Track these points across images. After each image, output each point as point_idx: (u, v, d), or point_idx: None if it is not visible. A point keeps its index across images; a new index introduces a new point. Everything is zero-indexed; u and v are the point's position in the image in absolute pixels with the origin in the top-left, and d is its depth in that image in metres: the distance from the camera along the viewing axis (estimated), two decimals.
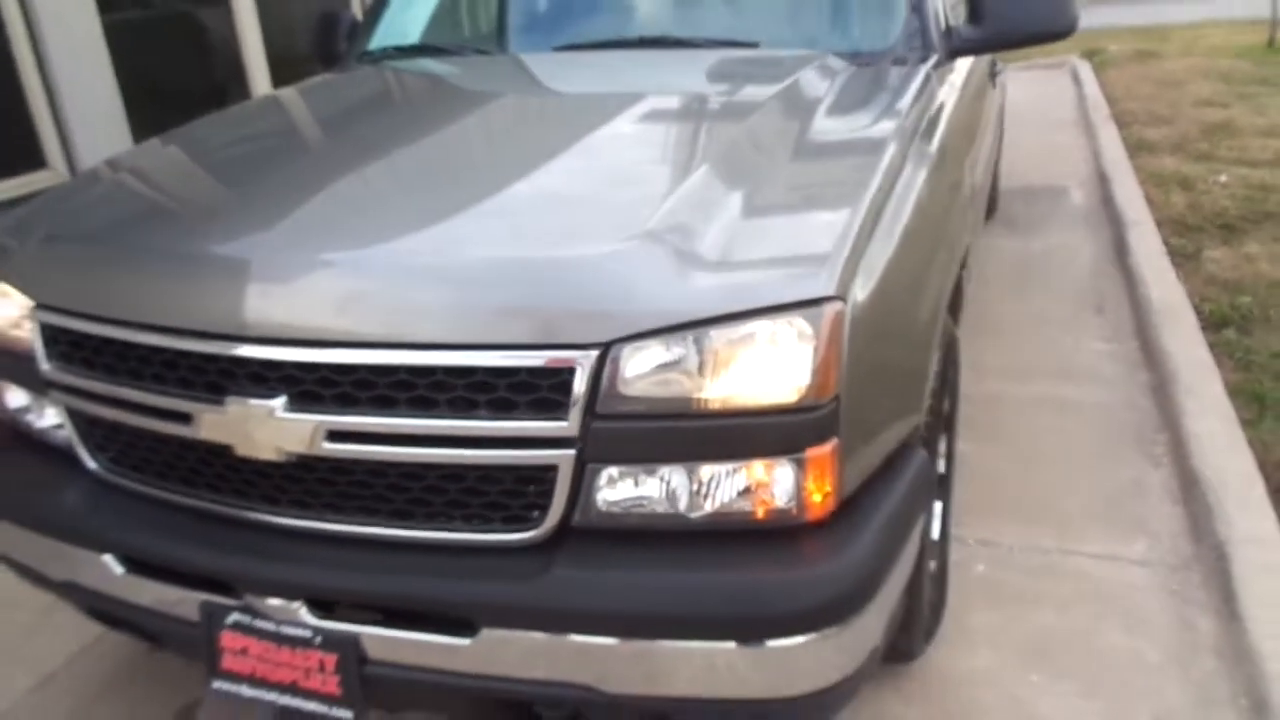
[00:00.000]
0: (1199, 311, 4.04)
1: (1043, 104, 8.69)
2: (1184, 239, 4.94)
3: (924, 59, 2.44)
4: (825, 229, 1.59)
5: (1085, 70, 9.79)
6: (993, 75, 3.44)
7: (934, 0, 2.56)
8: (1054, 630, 2.41)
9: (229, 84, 5.60)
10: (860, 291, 1.54)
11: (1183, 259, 4.67)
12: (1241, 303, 4.08)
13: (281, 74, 5.71)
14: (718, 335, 1.47)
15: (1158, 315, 3.94)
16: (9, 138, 4.38)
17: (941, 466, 2.46)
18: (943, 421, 2.31)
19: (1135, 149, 6.69)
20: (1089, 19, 14.90)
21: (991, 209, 5.54)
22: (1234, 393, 3.38)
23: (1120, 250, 4.87)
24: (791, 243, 1.59)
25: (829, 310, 1.47)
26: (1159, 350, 3.68)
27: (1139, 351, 3.86)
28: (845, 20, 2.64)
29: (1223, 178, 5.89)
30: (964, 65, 2.81)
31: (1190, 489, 2.87)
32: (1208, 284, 4.37)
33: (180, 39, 5.45)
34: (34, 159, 4.48)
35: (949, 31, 2.60)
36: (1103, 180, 6.07)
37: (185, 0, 5.46)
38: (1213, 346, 3.72)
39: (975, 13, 2.57)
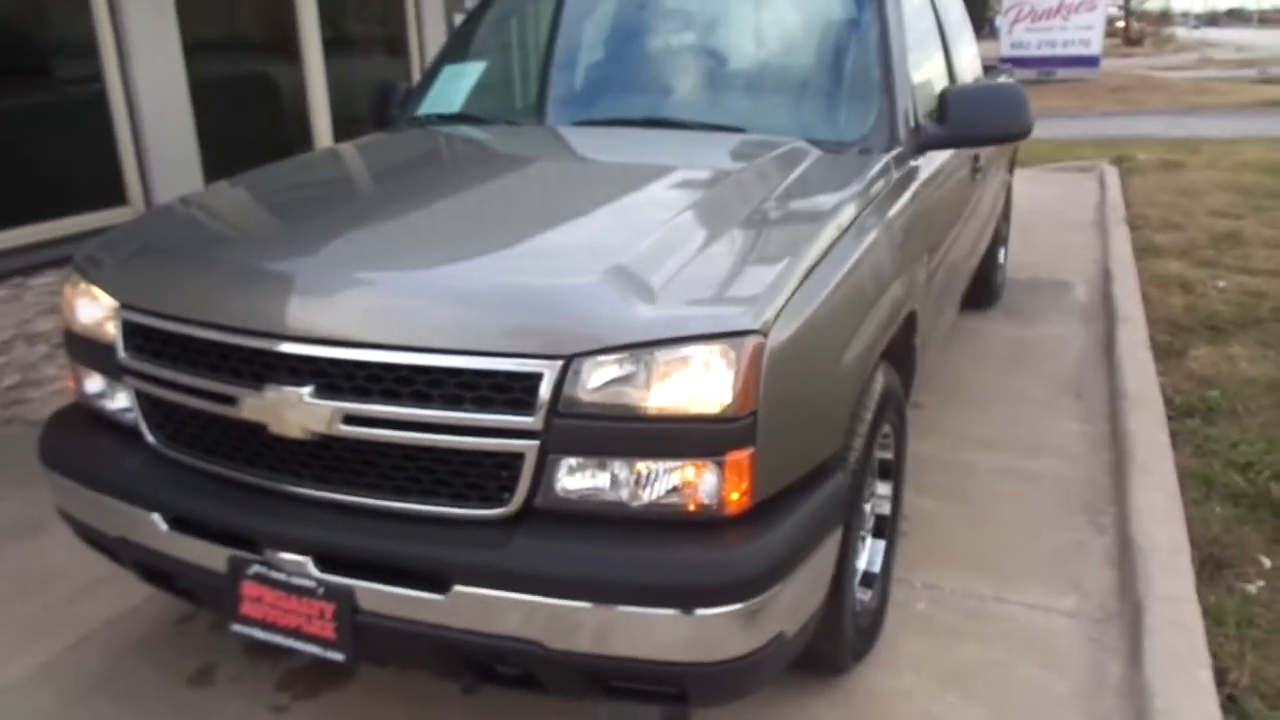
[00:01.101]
0: (1170, 401, 4.31)
1: (1066, 205, 9.05)
2: (1173, 337, 5.22)
3: (888, 150, 2.82)
4: (758, 278, 1.96)
5: (1111, 176, 10.14)
6: (974, 171, 3.80)
7: (904, 102, 2.94)
8: (976, 662, 2.68)
9: (295, 138, 6.13)
10: (781, 331, 1.89)
11: (1168, 355, 4.95)
12: (1210, 396, 4.35)
13: (342, 131, 6.25)
14: (660, 355, 1.83)
15: (1129, 402, 4.22)
16: (99, 177, 4.90)
17: (885, 508, 2.78)
18: (877, 466, 2.63)
19: (1143, 251, 7.00)
20: (1127, 127, 15.27)
21: (994, 297, 5.86)
22: (1187, 475, 3.64)
23: (1109, 342, 5.15)
24: (728, 287, 1.95)
25: (750, 342, 1.82)
26: (1124, 433, 3.95)
27: (1108, 434, 4.13)
28: (821, 113, 3.03)
29: (1221, 283, 6.17)
30: (936, 158, 3.17)
31: (1125, 554, 3.13)
32: (1186, 378, 4.64)
33: (255, 96, 6.00)
34: (117, 196, 4.98)
35: (917, 128, 2.97)
36: (1107, 278, 6.37)
37: (263, 62, 6.02)
38: (1176, 434, 4.00)
39: (942, 114, 2.95)
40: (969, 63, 4.29)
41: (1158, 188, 9.43)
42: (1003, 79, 5.53)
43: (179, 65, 5.12)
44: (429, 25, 7.01)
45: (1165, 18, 70.32)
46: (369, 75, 6.59)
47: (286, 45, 5.97)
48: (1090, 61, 23.53)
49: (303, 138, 6.14)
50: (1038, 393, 4.62)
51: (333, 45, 6.20)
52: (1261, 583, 2.98)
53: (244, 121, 5.84)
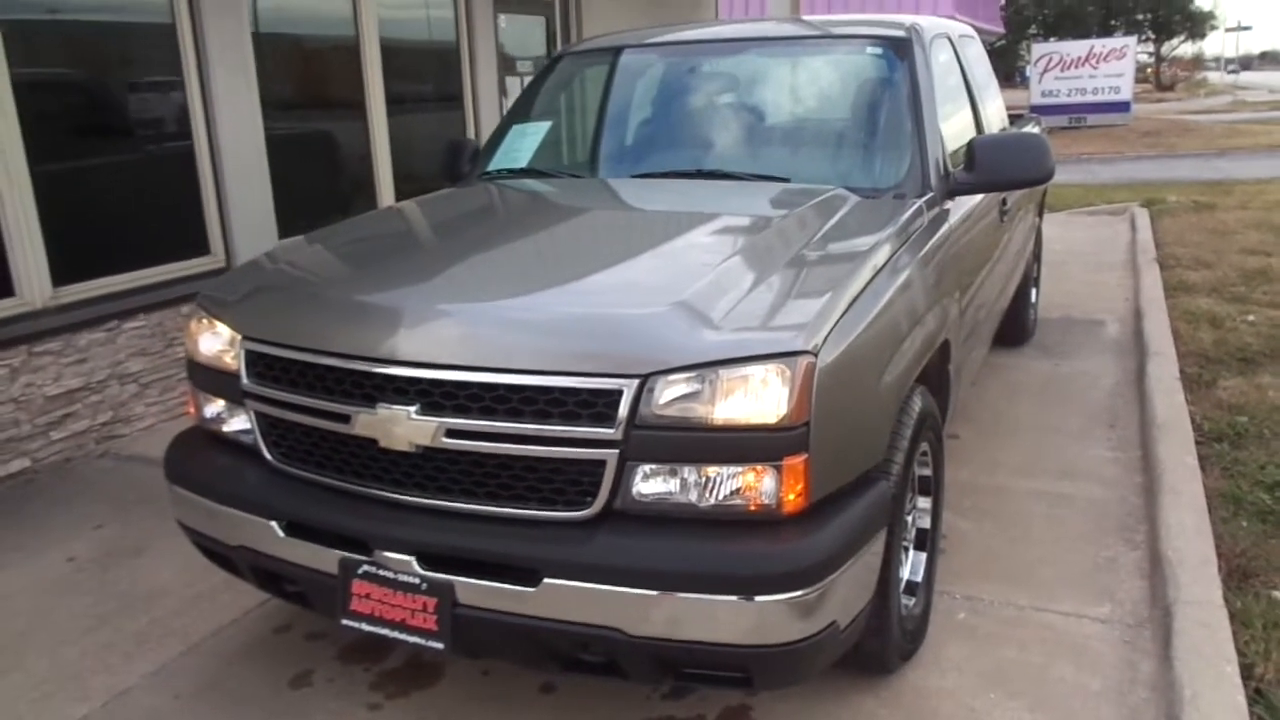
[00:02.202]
0: (1199, 428, 4.50)
1: (1098, 246, 9.25)
2: (1202, 369, 5.40)
3: (921, 195, 3.09)
4: (807, 308, 2.23)
5: (1143, 218, 10.33)
6: (1002, 214, 4.06)
7: (934, 152, 3.22)
8: (1015, 663, 2.88)
9: (359, 191, 6.53)
10: (829, 352, 2.15)
11: (1197, 385, 5.13)
12: (1238, 421, 4.53)
13: (402, 184, 6.64)
14: (724, 373, 2.09)
15: (1159, 429, 4.41)
16: (185, 230, 5.30)
17: (926, 522, 3.01)
18: (916, 482, 2.87)
19: (1174, 289, 7.18)
20: (1159, 171, 15.44)
21: (1027, 335, 6.08)
22: (1216, 495, 3.82)
23: (1140, 375, 5.34)
24: (781, 315, 2.22)
25: (803, 360, 2.09)
26: (1154, 458, 4.15)
27: (1140, 460, 4.32)
28: (858, 163, 3.31)
29: (1251, 317, 6.34)
30: (965, 202, 3.44)
31: (1156, 566, 3.32)
32: (1215, 407, 4.82)
33: (325, 152, 6.42)
34: (201, 247, 5.38)
35: (947, 175, 3.25)
36: (1138, 315, 6.56)
37: (332, 120, 6.44)
38: (1205, 458, 4.18)
39: (970, 162, 3.23)
40: (995, 114, 4.57)
41: (1189, 228, 9.61)
42: (1029, 127, 5.82)
43: (258, 123, 5.54)
44: (483, 88, 7.43)
45: (1198, 62, 70.38)
46: (428, 133, 7.01)
47: (353, 105, 6.39)
48: (1121, 107, 23.77)
49: (366, 191, 6.53)
50: (1071, 424, 4.81)
51: (395, 105, 6.61)
52: None
53: (314, 176, 6.26)
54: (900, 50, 3.48)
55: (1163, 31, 55.16)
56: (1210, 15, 56.63)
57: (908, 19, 3.74)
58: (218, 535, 2.64)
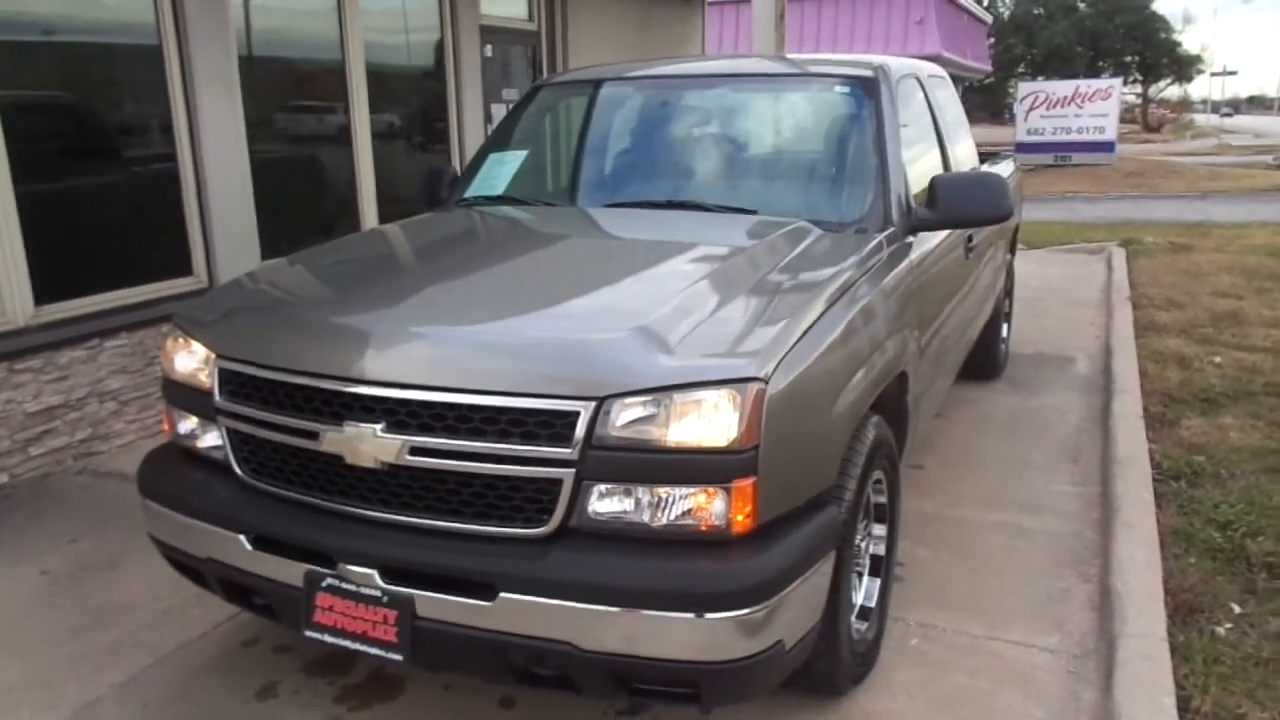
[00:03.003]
0: (1158, 466, 4.60)
1: (1073, 285, 9.40)
2: (1167, 408, 5.52)
3: (882, 230, 3.20)
4: (761, 335, 2.33)
5: (1119, 257, 10.50)
6: (968, 250, 4.17)
7: (897, 188, 3.33)
8: (963, 690, 2.95)
9: (343, 215, 6.62)
10: (780, 379, 2.24)
11: (1161, 424, 5.24)
12: (1196, 461, 4.64)
13: (385, 207, 6.74)
14: (679, 397, 2.18)
15: (1119, 466, 4.51)
16: (169, 251, 5.37)
17: (881, 549, 3.09)
18: (872, 510, 2.96)
19: (1145, 329, 7.32)
20: (1141, 211, 15.64)
21: (998, 369, 6.19)
22: (1170, 532, 3.92)
23: (1106, 413, 5.45)
24: (736, 342, 2.31)
25: (753, 387, 2.18)
26: (1112, 494, 4.24)
27: (1099, 495, 4.42)
28: (823, 197, 3.42)
29: (1218, 359, 6.47)
30: (929, 238, 3.55)
31: (1105, 599, 3.40)
32: (1176, 445, 4.92)
33: (308, 175, 6.52)
34: (183, 268, 5.46)
35: (909, 211, 3.36)
36: (1108, 354, 6.68)
37: (316, 144, 6.54)
38: (1162, 495, 4.28)
39: (932, 200, 3.34)
40: (965, 153, 4.70)
41: (1164, 269, 9.78)
42: (1005, 165, 5.96)
43: (243, 146, 5.63)
44: (468, 114, 7.55)
45: (1185, 104, 71.32)
46: (412, 158, 7.12)
47: (338, 129, 6.50)
48: (1106, 147, 24.07)
49: (350, 214, 6.63)
50: (1035, 457, 4.91)
51: (380, 130, 6.73)
52: (1230, 625, 3.24)
53: (298, 199, 6.36)
54: (867, 89, 3.60)
55: (1150, 73, 55.94)
56: (1197, 59, 57.48)
57: (877, 59, 3.86)
58: (188, 548, 2.70)
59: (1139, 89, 56.76)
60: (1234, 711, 2.80)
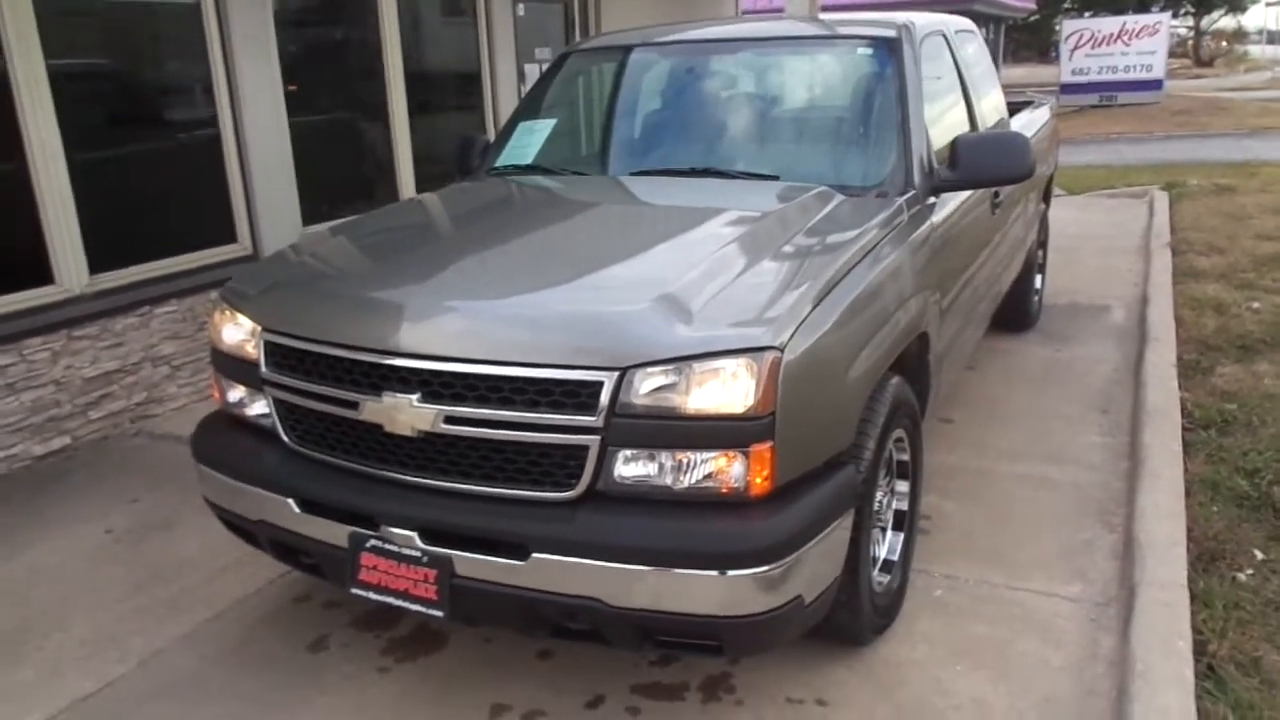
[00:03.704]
0: (1189, 414, 4.62)
1: (1114, 230, 9.30)
2: (1201, 355, 5.50)
3: (903, 193, 3.24)
4: (779, 303, 2.41)
5: (1161, 201, 10.34)
6: (994, 206, 4.19)
7: (919, 150, 3.36)
8: (983, 638, 3.05)
9: (380, 181, 6.75)
10: (796, 347, 2.33)
11: (1195, 372, 5.24)
12: (1228, 409, 4.65)
13: (422, 174, 6.85)
14: (698, 366, 2.28)
15: (1148, 415, 4.54)
16: (213, 219, 5.54)
17: (904, 505, 3.18)
18: (895, 467, 3.05)
19: (1184, 275, 7.25)
20: (1187, 151, 15.36)
21: (1031, 320, 6.19)
22: (1197, 480, 3.96)
23: (1139, 362, 5.45)
24: (753, 310, 2.39)
25: (770, 356, 2.27)
26: (1140, 443, 4.28)
27: (1128, 445, 4.46)
28: (844, 162, 3.46)
29: (1256, 304, 6.42)
30: (953, 198, 3.58)
31: (1129, 547, 3.47)
32: (1209, 394, 4.93)
33: (346, 140, 6.63)
34: (228, 235, 5.62)
35: (931, 173, 3.40)
36: (1144, 302, 6.65)
37: (354, 111, 6.65)
38: (1191, 444, 4.31)
39: (953, 161, 3.37)
40: (992, 107, 4.69)
41: (1207, 212, 9.62)
42: (1038, 112, 5.91)
43: (282, 113, 5.75)
44: (501, 75, 7.60)
45: (1239, 36, 68.99)
46: (447, 121, 7.21)
47: (375, 94, 6.59)
48: (1153, 85, 23.48)
49: (387, 177, 6.74)
50: (1065, 408, 4.95)
51: (415, 94, 6.80)
52: (1252, 571, 3.30)
53: (336, 164, 6.48)
54: (889, 49, 3.62)
55: (1202, 5, 54.14)
56: None
57: (902, 18, 3.87)
58: (240, 511, 2.87)
59: (1190, 21, 54.98)
60: (1250, 655, 2.87)
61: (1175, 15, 46.43)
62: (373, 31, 6.51)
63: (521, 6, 7.84)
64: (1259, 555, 3.41)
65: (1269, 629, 3.00)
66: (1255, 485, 3.90)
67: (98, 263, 4.91)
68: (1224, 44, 61.42)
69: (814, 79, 3.80)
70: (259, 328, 2.80)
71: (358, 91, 6.59)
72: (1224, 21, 60.00)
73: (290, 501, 2.69)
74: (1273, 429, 4.43)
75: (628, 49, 4.16)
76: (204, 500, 3.05)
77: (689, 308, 2.39)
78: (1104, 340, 6.05)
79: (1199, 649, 2.88)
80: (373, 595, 2.58)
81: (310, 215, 6.00)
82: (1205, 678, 2.78)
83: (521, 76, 7.85)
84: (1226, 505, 3.78)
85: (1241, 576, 3.28)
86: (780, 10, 9.63)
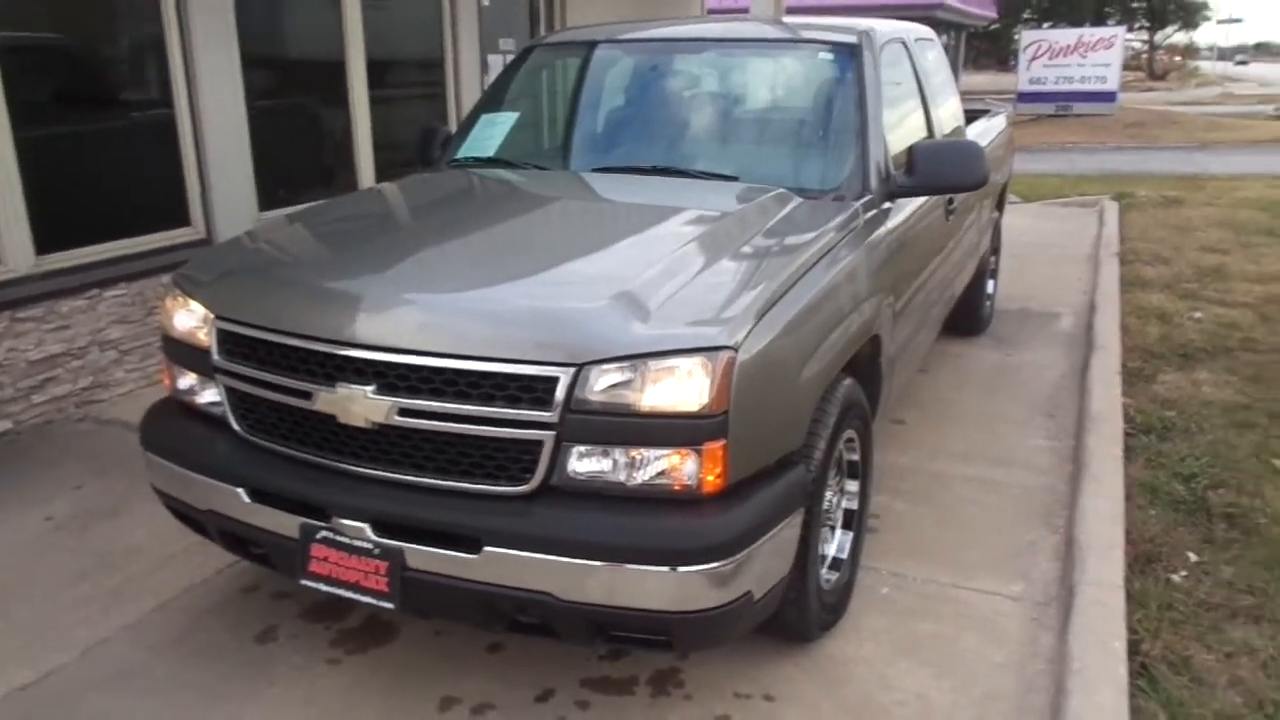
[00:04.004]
0: (1131, 420, 4.75)
1: (1064, 239, 9.47)
2: (1145, 363, 5.66)
3: (860, 198, 3.29)
4: (734, 303, 2.44)
5: (1111, 211, 10.56)
6: (948, 212, 4.26)
7: (876, 155, 3.41)
8: (928, 636, 3.11)
9: (340, 168, 6.68)
10: (751, 347, 2.36)
11: (1137, 380, 5.38)
12: (1167, 416, 4.78)
13: (382, 160, 6.80)
14: (653, 364, 2.30)
15: (1092, 421, 4.65)
16: (166, 201, 5.45)
17: (854, 504, 3.23)
18: (845, 467, 3.10)
19: (1130, 284, 7.43)
20: (1138, 163, 15.76)
21: (982, 325, 6.30)
22: (1137, 485, 4.07)
23: (1085, 369, 5.58)
24: (709, 310, 2.42)
25: (723, 355, 2.29)
26: (1084, 447, 4.38)
27: (1072, 449, 4.56)
28: (804, 165, 3.51)
29: (1198, 314, 6.60)
30: (908, 203, 3.64)
31: (1070, 549, 3.56)
32: (1150, 401, 5.07)
33: (305, 124, 6.55)
34: (181, 219, 5.53)
35: (888, 178, 3.45)
36: (1092, 309, 6.79)
37: (312, 92, 6.56)
38: (1132, 449, 4.43)
39: (910, 167, 3.43)
40: (948, 116, 4.76)
41: (1154, 224, 9.85)
42: (994, 120, 6.02)
43: (240, 97, 5.67)
44: (465, 64, 7.56)
45: (1191, 51, 70.48)
46: (409, 108, 7.15)
47: (335, 79, 6.52)
48: (1107, 97, 23.96)
49: (346, 163, 6.68)
50: (1013, 412, 5.05)
51: (377, 80, 6.74)
52: (1185, 573, 3.40)
53: (295, 148, 6.40)
54: (850, 55, 3.67)
55: (1156, 20, 55.26)
56: (1204, 5, 56.81)
57: (864, 24, 3.91)
58: (189, 500, 2.84)
59: (1145, 36, 56.10)
60: (1181, 654, 2.97)
61: (1130, 29, 47.31)
62: (335, 15, 6.43)
63: None
64: (1193, 558, 3.52)
65: (1200, 629, 3.10)
66: (1191, 490, 4.02)
67: (45, 243, 4.81)
68: (1177, 59, 62.80)
69: (775, 82, 3.84)
70: (211, 315, 2.77)
71: (319, 76, 6.52)
72: (1177, 37, 61.36)
73: (240, 491, 2.66)
74: (1209, 435, 4.56)
75: (592, 45, 4.17)
76: (152, 488, 3.01)
77: (646, 306, 2.41)
78: (1052, 346, 6.17)
79: (1133, 648, 2.96)
80: (323, 586, 2.56)
81: (267, 201, 5.92)
82: (1139, 676, 2.87)
83: (485, 67, 7.82)
84: (1164, 509, 3.89)
85: (1175, 578, 3.38)
86: (745, 9, 9.67)
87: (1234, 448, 4.42)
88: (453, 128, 4.66)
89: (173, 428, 2.93)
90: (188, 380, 2.91)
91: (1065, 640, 2.96)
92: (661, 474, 2.34)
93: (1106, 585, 3.21)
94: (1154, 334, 6.20)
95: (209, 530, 2.87)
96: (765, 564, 2.46)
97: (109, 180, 5.17)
